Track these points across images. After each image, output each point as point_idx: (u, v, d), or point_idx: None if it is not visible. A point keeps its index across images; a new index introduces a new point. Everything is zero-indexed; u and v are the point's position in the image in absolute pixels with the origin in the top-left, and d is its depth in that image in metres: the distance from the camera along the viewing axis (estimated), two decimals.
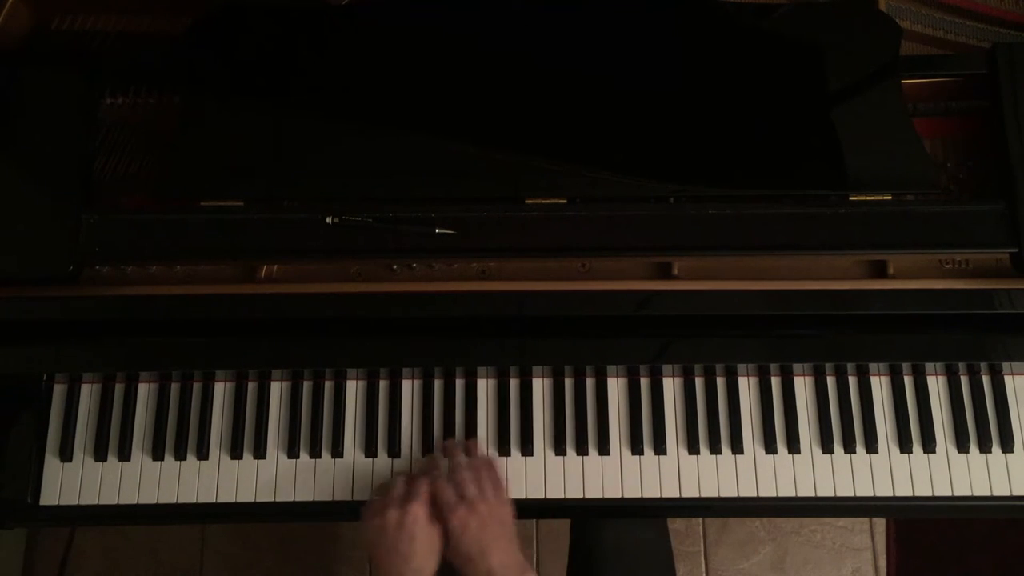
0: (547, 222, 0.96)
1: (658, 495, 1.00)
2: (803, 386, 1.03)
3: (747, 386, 1.03)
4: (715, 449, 1.00)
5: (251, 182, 0.99)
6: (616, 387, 1.03)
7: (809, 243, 0.96)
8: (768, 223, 0.96)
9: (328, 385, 1.04)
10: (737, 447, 1.00)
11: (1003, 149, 0.98)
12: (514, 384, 1.03)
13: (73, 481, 1.01)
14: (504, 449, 1.01)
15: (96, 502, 1.00)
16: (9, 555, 1.70)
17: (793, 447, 1.00)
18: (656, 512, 1.08)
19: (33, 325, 0.98)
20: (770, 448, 1.00)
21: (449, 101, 1.01)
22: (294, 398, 1.03)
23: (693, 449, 1.01)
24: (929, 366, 1.02)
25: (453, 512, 0.89)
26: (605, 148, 0.99)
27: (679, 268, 0.98)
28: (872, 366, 1.02)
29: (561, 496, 1.00)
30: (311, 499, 1.00)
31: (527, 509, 1.00)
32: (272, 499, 1.00)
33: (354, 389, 1.04)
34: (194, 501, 1.00)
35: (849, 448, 1.00)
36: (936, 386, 1.02)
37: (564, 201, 0.98)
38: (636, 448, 1.01)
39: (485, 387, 1.03)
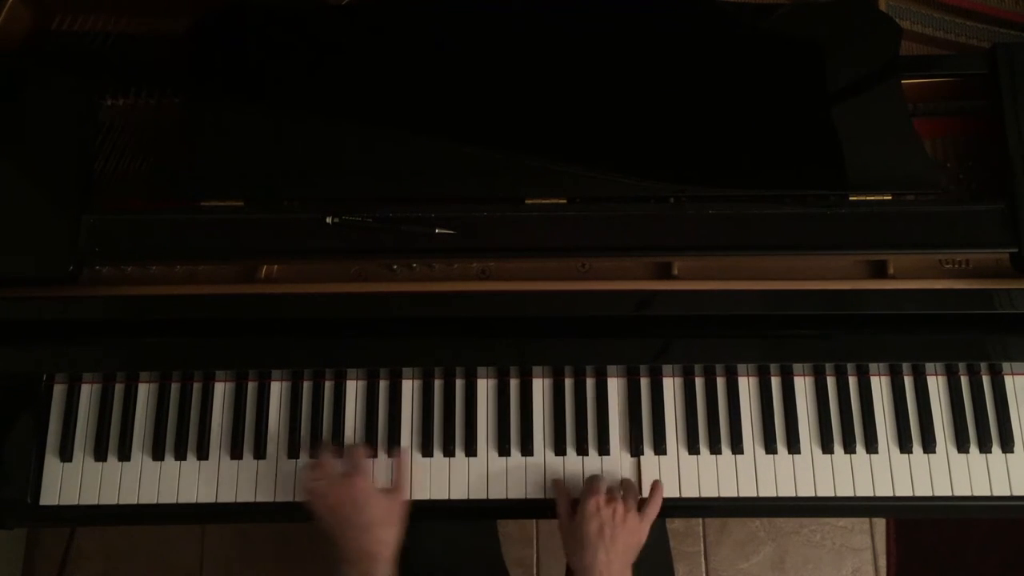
0: (547, 222, 0.96)
1: None
2: (803, 386, 1.03)
3: (747, 386, 1.03)
4: (715, 449, 1.00)
5: (251, 182, 0.99)
6: (616, 387, 1.03)
7: (809, 243, 0.96)
8: (768, 223, 0.96)
9: (328, 385, 1.04)
10: (737, 447, 1.00)
11: (1003, 149, 0.98)
12: (514, 384, 1.03)
13: (73, 481, 1.01)
14: (504, 449, 1.01)
15: (96, 502, 1.00)
16: (9, 555, 1.70)
17: (793, 447, 1.00)
18: None
19: (33, 325, 0.98)
20: (770, 448, 1.00)
21: (449, 101, 1.01)
22: (294, 398, 1.03)
23: (693, 449, 1.01)
24: (929, 366, 1.02)
25: (590, 497, 0.92)
26: (605, 148, 0.99)
27: (679, 268, 0.98)
28: (872, 366, 1.03)
29: None
30: None
31: (527, 509, 1.00)
32: (272, 499, 1.00)
33: (354, 389, 1.04)
34: (194, 501, 1.00)
35: (849, 448, 1.00)
36: (936, 386, 1.02)
37: (564, 201, 0.98)
38: (636, 448, 1.01)
39: (485, 387, 1.03)
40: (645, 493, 0.97)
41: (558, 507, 0.97)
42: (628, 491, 0.95)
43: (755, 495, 0.99)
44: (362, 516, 0.90)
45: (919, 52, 1.09)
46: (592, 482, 0.95)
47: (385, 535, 0.90)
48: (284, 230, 0.96)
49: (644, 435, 1.01)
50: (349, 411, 1.03)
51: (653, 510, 0.96)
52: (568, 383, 1.03)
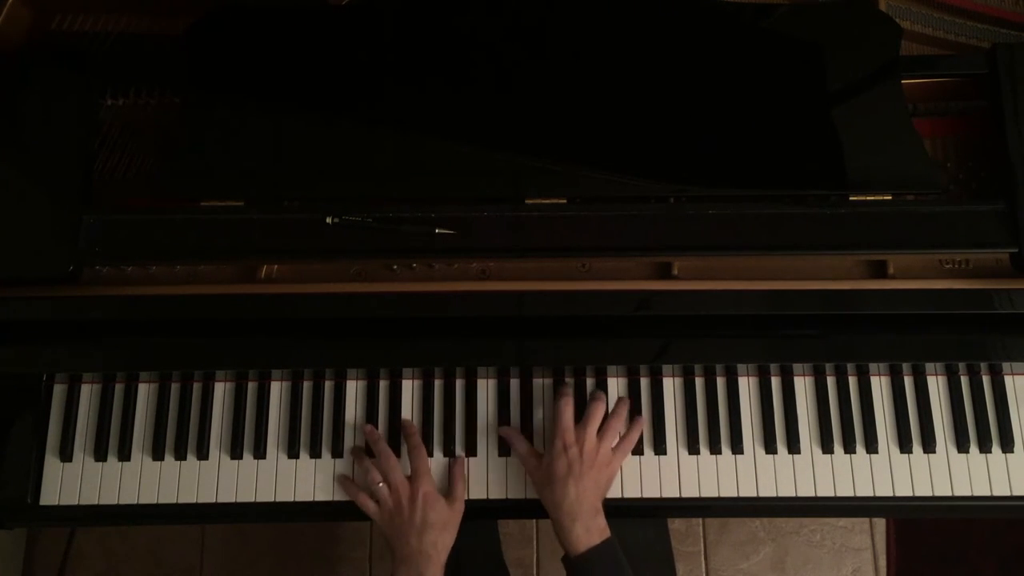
0: (547, 222, 0.96)
1: (658, 495, 1.00)
2: (803, 386, 1.03)
3: (747, 386, 1.03)
4: (715, 449, 1.00)
5: (251, 182, 0.99)
6: (616, 387, 1.03)
7: (809, 243, 0.96)
8: (768, 223, 0.96)
9: (328, 385, 1.04)
10: (737, 447, 1.00)
11: (1003, 149, 0.98)
12: (514, 384, 1.03)
13: (73, 481, 1.01)
14: (505, 449, 1.01)
15: (96, 502, 1.00)
16: (9, 555, 1.70)
17: (793, 447, 1.00)
18: (656, 512, 1.08)
19: (33, 325, 0.98)
20: (770, 448, 1.00)
21: (449, 101, 1.01)
22: (294, 398, 1.03)
23: (693, 449, 1.01)
24: (929, 366, 1.02)
25: (558, 436, 0.94)
26: (605, 148, 0.99)
27: (679, 268, 0.98)
28: (872, 366, 1.02)
29: None
30: (311, 499, 1.00)
31: (527, 509, 1.00)
32: (272, 499, 1.00)
33: (354, 389, 1.04)
34: (194, 501, 1.00)
35: (849, 448, 1.00)
36: (936, 386, 1.02)
37: (564, 201, 0.98)
38: (636, 448, 1.00)
39: (485, 387, 1.03)
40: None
41: (519, 452, 0.98)
42: (592, 419, 0.95)
43: (755, 495, 0.99)
44: (423, 519, 0.93)
45: (919, 52, 1.09)
46: (561, 418, 0.95)
47: (441, 539, 0.93)
48: (284, 230, 0.96)
49: (644, 435, 1.01)
50: (349, 411, 1.03)
51: (628, 444, 0.97)
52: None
